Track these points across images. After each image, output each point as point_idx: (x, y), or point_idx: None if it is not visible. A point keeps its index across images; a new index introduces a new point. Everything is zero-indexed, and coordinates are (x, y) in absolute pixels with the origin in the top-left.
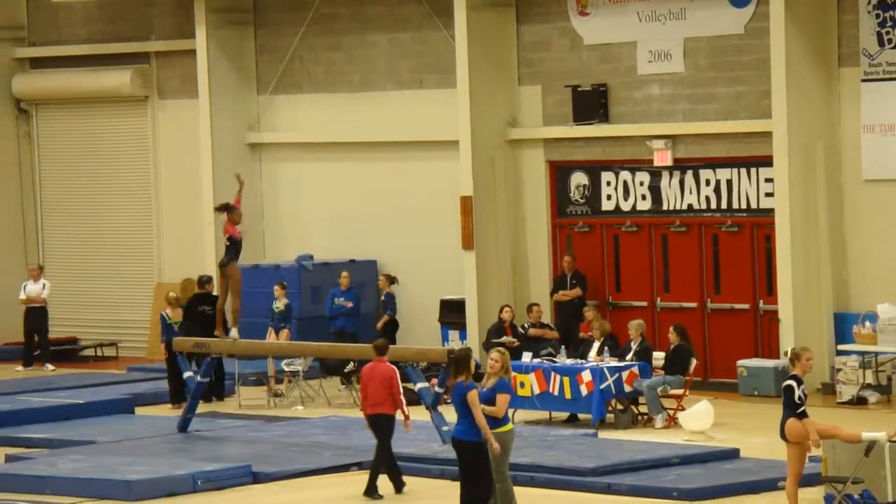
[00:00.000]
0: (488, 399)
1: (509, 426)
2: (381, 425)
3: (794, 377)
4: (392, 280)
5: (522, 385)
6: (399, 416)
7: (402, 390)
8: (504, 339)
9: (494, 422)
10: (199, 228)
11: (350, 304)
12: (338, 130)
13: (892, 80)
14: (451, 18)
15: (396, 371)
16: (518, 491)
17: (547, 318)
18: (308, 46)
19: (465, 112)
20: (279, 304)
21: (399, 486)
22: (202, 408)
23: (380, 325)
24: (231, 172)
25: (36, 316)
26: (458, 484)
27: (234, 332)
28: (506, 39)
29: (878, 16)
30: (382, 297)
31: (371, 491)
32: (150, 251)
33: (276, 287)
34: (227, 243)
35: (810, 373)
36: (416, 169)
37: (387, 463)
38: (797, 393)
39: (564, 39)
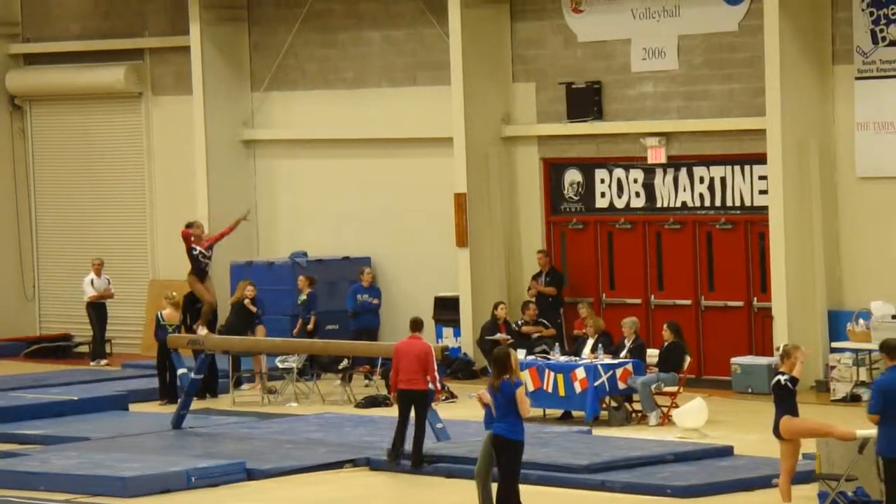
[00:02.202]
0: None
1: None
2: (418, 401)
3: (782, 374)
4: (312, 281)
5: None
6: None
7: (435, 366)
8: (498, 336)
9: None
10: None
11: (376, 301)
12: (332, 127)
13: (886, 78)
14: (446, 15)
15: (432, 348)
16: None
17: None
18: (302, 43)
19: (459, 109)
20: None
21: (420, 461)
22: (196, 404)
23: (310, 326)
24: (226, 170)
25: (102, 310)
26: (450, 480)
27: (199, 330)
28: (500, 36)
29: (871, 13)
30: (304, 297)
31: (419, 462)
32: (143, 248)
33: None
34: None
35: (801, 371)
36: (410, 166)
37: (416, 436)
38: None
39: (558, 36)
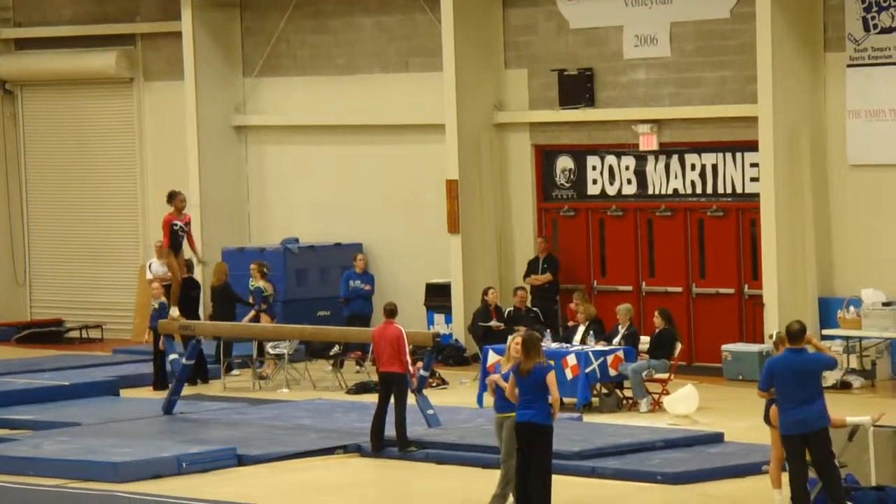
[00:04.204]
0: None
1: None
2: (395, 384)
3: None
4: (264, 267)
5: None
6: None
7: (407, 350)
8: (492, 323)
9: (510, 405)
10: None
11: (368, 287)
12: (324, 113)
13: (877, 66)
14: (438, 1)
15: (403, 332)
16: None
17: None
18: (294, 29)
19: (451, 95)
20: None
21: (406, 445)
22: (187, 390)
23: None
24: (217, 155)
25: None
26: (441, 467)
27: (172, 312)
28: (492, 23)
29: (863, 1)
30: (258, 284)
31: (405, 445)
32: (135, 233)
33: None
34: None
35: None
36: (402, 152)
37: (396, 420)
38: None
39: (551, 23)
